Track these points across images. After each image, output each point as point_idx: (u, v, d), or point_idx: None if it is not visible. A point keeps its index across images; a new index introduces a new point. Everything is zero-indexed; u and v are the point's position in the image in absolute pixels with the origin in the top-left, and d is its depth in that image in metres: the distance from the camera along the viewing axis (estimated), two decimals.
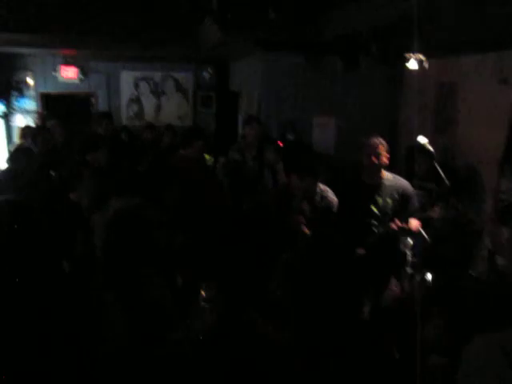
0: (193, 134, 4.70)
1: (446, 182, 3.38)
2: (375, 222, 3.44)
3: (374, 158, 3.41)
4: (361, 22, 4.03)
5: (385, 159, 3.44)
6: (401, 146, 6.20)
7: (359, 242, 3.37)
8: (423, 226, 4.36)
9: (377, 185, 3.47)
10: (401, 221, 3.36)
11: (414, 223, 3.45)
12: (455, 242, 3.86)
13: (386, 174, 3.51)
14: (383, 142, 3.44)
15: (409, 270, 4.63)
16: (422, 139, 3.40)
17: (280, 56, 6.16)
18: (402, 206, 3.43)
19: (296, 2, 4.47)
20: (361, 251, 3.36)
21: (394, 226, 3.37)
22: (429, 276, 4.43)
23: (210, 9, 4.64)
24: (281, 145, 5.73)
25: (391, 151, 3.72)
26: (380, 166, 3.45)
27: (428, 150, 3.35)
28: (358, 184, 3.57)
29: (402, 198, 3.43)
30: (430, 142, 3.65)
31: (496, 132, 4.69)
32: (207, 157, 5.73)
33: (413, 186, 4.64)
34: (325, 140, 6.54)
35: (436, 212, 4.47)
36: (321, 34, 4.82)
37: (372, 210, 3.43)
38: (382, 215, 3.38)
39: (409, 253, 4.58)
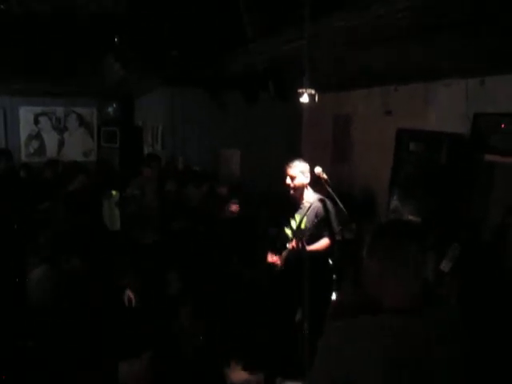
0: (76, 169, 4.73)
1: (342, 207, 3.60)
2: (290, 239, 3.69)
3: (289, 183, 3.66)
4: (258, 60, 4.27)
5: (302, 182, 3.67)
6: None
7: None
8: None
9: (298, 204, 3.72)
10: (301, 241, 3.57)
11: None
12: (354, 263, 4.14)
13: (308, 195, 3.72)
14: (301, 165, 3.68)
15: None
16: (317, 168, 3.61)
17: (183, 91, 6.30)
18: (317, 227, 3.64)
19: (197, 40, 4.63)
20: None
21: (291, 245, 3.64)
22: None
23: (112, 45, 4.65)
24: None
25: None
26: (298, 189, 3.67)
27: (323, 178, 3.56)
28: (283, 202, 3.85)
29: (318, 220, 3.62)
30: (329, 171, 3.86)
31: (384, 157, 5.14)
32: (113, 192, 5.65)
33: None
34: (231, 172, 6.72)
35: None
36: (222, 70, 5.02)
37: (290, 228, 3.69)
38: (297, 234, 3.59)
39: None
